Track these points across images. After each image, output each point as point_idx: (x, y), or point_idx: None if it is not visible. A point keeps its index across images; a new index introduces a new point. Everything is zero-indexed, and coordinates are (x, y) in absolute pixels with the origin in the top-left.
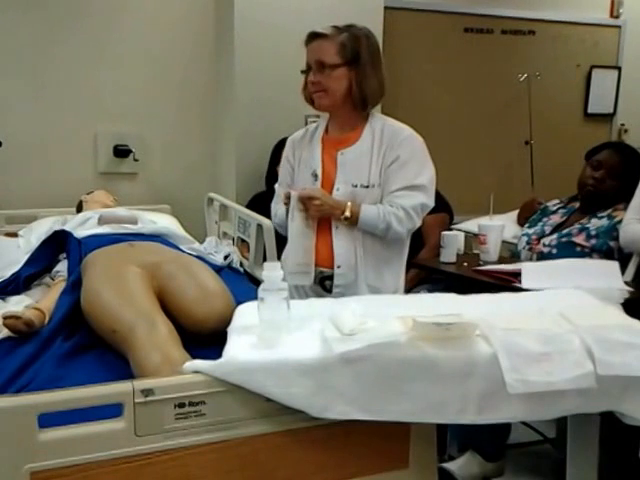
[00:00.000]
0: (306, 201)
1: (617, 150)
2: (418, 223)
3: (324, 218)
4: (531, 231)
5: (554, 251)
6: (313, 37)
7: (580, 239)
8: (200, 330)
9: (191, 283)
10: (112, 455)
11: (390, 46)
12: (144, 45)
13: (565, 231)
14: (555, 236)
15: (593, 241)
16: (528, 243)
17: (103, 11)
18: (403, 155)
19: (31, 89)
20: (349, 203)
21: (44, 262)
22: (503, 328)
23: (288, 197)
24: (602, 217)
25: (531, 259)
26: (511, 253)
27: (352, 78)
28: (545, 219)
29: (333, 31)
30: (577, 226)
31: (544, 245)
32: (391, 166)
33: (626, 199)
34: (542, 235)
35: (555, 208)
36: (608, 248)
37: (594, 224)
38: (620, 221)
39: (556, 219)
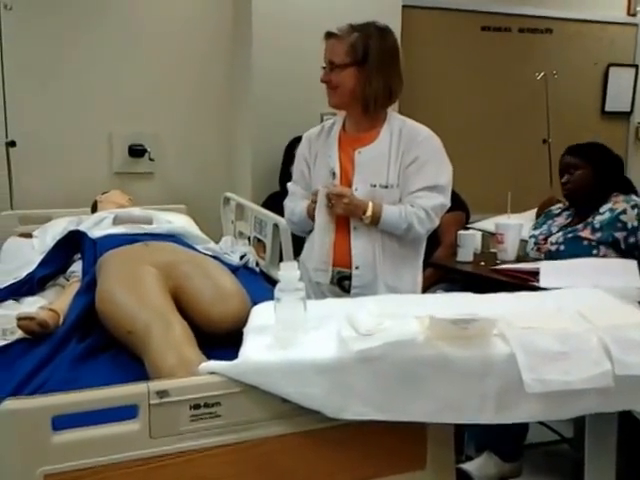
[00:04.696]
0: (335, 198)
1: (566, 152)
2: (437, 223)
3: (342, 218)
4: (537, 232)
5: (562, 247)
6: (327, 36)
7: (586, 233)
8: (216, 330)
9: (207, 283)
10: (127, 457)
11: (408, 44)
12: (159, 44)
13: (570, 228)
14: (561, 233)
15: (598, 234)
16: (536, 244)
17: (118, 11)
18: (422, 156)
19: (46, 89)
20: (370, 203)
21: (59, 263)
22: (521, 327)
23: (316, 194)
24: (604, 212)
25: (540, 259)
26: (526, 253)
27: (360, 78)
28: (550, 222)
29: (346, 31)
30: (582, 224)
31: (551, 243)
32: (410, 167)
33: (616, 189)
34: (549, 235)
35: (558, 211)
36: (614, 239)
37: (598, 220)
38: (622, 211)
39: (561, 221)
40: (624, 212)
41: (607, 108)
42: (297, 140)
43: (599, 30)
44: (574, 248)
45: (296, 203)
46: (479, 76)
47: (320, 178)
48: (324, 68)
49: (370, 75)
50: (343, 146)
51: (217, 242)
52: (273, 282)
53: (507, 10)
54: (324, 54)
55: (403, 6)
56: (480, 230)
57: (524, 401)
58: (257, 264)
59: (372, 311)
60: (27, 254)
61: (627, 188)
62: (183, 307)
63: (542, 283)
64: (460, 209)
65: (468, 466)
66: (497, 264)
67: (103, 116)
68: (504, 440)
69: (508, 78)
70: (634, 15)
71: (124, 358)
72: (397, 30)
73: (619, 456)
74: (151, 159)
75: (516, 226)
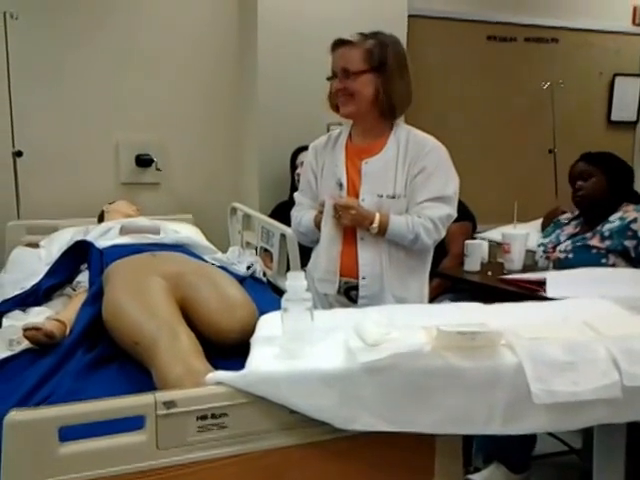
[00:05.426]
0: (342, 210)
1: (581, 159)
2: (443, 234)
3: (350, 228)
4: (546, 240)
5: (570, 256)
6: (339, 44)
7: (595, 241)
8: (223, 340)
9: (214, 293)
10: (134, 469)
11: (414, 54)
12: (166, 54)
13: (579, 236)
14: (570, 242)
15: (608, 242)
16: (545, 252)
17: (126, 21)
18: (429, 166)
19: (52, 98)
20: (377, 214)
21: (65, 273)
22: (528, 337)
23: (323, 205)
24: (614, 221)
25: (548, 267)
26: (535, 262)
27: (379, 84)
28: (559, 231)
29: (359, 38)
30: (590, 232)
31: (560, 251)
32: (417, 177)
33: (626, 199)
34: (558, 243)
35: (567, 221)
36: (624, 248)
37: (607, 228)
38: (633, 220)
39: (570, 230)
40: (635, 221)
41: (613, 118)
42: (300, 149)
43: (605, 40)
44: (583, 256)
45: (303, 213)
46: (485, 86)
47: (327, 189)
48: (330, 78)
49: (391, 80)
50: (350, 156)
51: (224, 252)
52: (280, 292)
53: (513, 20)
54: (334, 63)
55: (409, 16)
56: (487, 240)
57: (532, 412)
58: (264, 274)
59: (379, 321)
60: (33, 264)
61: (637, 199)
62: (190, 317)
63: (549, 293)
64: (467, 219)
65: (476, 477)
66: (504, 274)
67: (110, 126)
68: (512, 451)
69: (514, 88)
70: (639, 25)
71: (131, 369)
72: (403, 39)
73: (627, 467)
74: (158, 169)
75: (522, 236)
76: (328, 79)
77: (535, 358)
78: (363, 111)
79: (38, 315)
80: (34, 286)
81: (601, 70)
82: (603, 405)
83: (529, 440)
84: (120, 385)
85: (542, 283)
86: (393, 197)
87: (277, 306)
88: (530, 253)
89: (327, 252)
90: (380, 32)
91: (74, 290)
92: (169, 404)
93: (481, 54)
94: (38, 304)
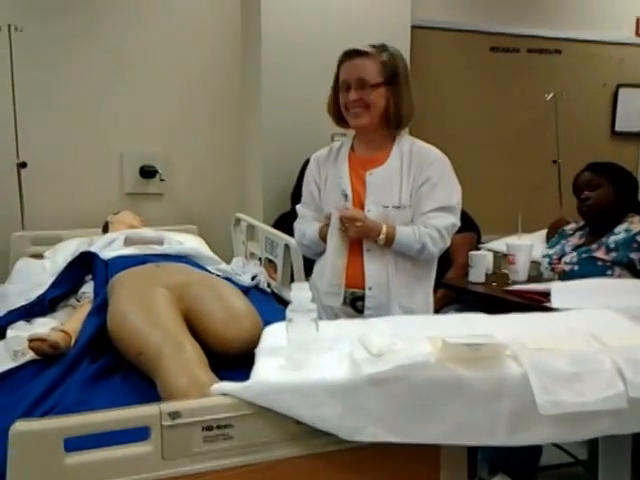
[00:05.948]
0: (348, 222)
1: (587, 169)
2: (449, 243)
3: (356, 239)
4: (551, 252)
5: (576, 267)
6: (353, 55)
7: (600, 253)
8: (228, 351)
9: (218, 304)
10: (139, 479)
11: (417, 65)
12: (171, 65)
13: (584, 248)
14: (575, 253)
15: (613, 254)
16: (550, 264)
17: (129, 33)
18: (433, 177)
19: (56, 109)
20: (384, 225)
21: (70, 284)
22: (533, 348)
23: (329, 218)
24: (619, 232)
25: (553, 279)
26: (540, 273)
27: (389, 97)
28: (564, 241)
29: (374, 50)
30: (596, 243)
31: (565, 263)
32: (422, 188)
33: (631, 210)
34: (563, 254)
35: (572, 231)
36: (629, 260)
37: (612, 240)
38: (638, 232)
39: (574, 241)
40: None
41: (617, 128)
42: None
43: (608, 51)
44: (588, 268)
45: (307, 226)
46: (488, 97)
47: (331, 200)
48: (335, 87)
49: (402, 94)
50: (353, 167)
51: (228, 263)
52: (284, 303)
53: (516, 31)
54: (347, 73)
55: (412, 27)
56: (491, 250)
57: (537, 423)
58: (268, 285)
59: (384, 332)
60: (38, 275)
61: None
62: (195, 328)
63: (554, 304)
64: (471, 230)
65: None
66: (509, 284)
67: (114, 137)
68: (517, 462)
69: (517, 99)
70: None
71: (136, 379)
72: (406, 50)
73: (633, 478)
74: (162, 180)
75: (527, 247)
76: (333, 88)
77: (540, 369)
78: (374, 122)
79: (43, 326)
80: (39, 297)
81: (604, 81)
82: (608, 416)
83: (534, 451)
84: (125, 396)
85: (547, 294)
86: (398, 207)
87: (282, 317)
88: (535, 264)
89: (332, 264)
90: (385, 44)
91: (79, 301)
92: (174, 415)
93: (484, 65)
94: (43, 315)
